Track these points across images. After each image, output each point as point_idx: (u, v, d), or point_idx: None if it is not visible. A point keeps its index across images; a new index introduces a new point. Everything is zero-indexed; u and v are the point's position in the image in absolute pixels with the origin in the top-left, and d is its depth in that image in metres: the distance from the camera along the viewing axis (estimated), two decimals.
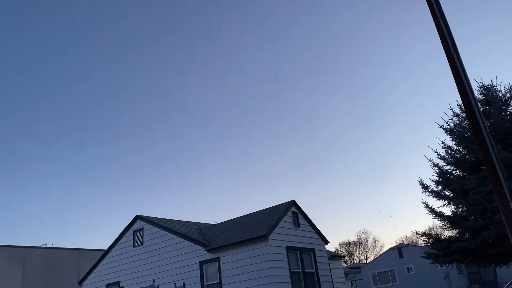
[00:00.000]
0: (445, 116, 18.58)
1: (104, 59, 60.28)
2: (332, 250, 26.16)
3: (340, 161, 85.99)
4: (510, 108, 17.29)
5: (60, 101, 58.52)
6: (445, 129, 18.17)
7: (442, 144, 18.38)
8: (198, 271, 14.81)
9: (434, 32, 6.55)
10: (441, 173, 18.16)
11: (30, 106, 56.50)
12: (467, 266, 37.88)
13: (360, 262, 70.43)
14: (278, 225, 14.24)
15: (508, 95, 17.24)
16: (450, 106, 18.31)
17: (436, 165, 18.35)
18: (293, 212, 15.53)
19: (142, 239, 17.27)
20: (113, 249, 18.43)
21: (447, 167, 18.32)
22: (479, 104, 8.90)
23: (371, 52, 68.03)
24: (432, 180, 18.23)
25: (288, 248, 14.18)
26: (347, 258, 72.21)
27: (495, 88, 17.48)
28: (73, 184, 61.21)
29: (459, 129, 17.71)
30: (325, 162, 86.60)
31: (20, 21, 49.58)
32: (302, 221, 15.79)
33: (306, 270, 14.67)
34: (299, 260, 14.62)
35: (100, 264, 18.80)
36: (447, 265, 19.23)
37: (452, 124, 18.11)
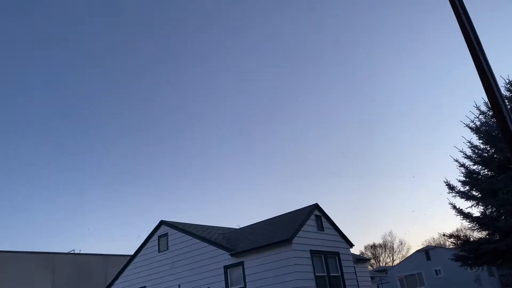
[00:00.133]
0: (470, 115, 18.14)
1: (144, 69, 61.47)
2: (357, 253, 25.81)
3: (360, 163, 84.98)
4: None
5: (95, 113, 59.98)
6: (471, 128, 17.74)
7: (468, 143, 17.94)
8: (223, 276, 14.85)
9: (457, 28, 6.42)
10: (468, 173, 17.72)
11: (67, 124, 58.05)
12: (498, 268, 36.73)
13: (386, 265, 69.25)
14: (302, 229, 14.16)
15: None
16: (476, 104, 17.87)
17: (462, 165, 17.92)
18: (316, 215, 15.41)
19: (167, 244, 17.45)
20: (139, 254, 18.69)
21: (474, 167, 17.86)
22: (506, 101, 8.63)
23: (389, 52, 67.16)
24: (459, 181, 17.82)
25: (312, 252, 14.07)
26: (372, 261, 71.16)
27: None
28: (99, 190, 62.50)
29: (485, 127, 17.25)
30: (346, 164, 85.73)
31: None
32: (325, 224, 15.66)
33: (331, 274, 14.51)
34: (324, 264, 14.48)
35: (127, 269, 19.08)
36: (477, 267, 18.72)
37: (478, 123, 17.66)
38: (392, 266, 56.03)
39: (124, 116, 63.18)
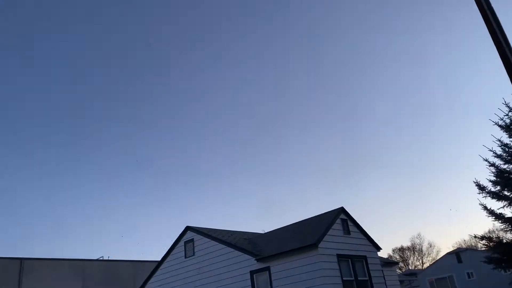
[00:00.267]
0: (500, 113, 17.61)
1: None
2: (385, 256, 25.32)
3: (386, 167, 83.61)
4: None
5: (121, 123, 61.33)
6: (500, 126, 17.26)
7: (498, 142, 17.45)
8: (249, 281, 14.84)
9: (483, 25, 6.25)
10: (499, 172, 17.21)
11: (99, 132, 59.53)
12: None
13: (416, 268, 67.77)
14: (328, 233, 14.02)
15: None
16: (505, 101, 17.35)
17: (492, 165, 17.43)
18: (342, 219, 15.24)
19: (193, 250, 17.58)
20: (166, 260, 18.88)
21: (505, 166, 17.34)
22: None
23: (418, 49, 66.01)
24: (490, 181, 17.34)
25: (339, 256, 13.90)
26: (401, 264, 69.71)
27: None
28: (130, 198, 63.58)
29: None
30: (373, 168, 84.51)
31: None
32: (352, 228, 15.46)
33: (359, 278, 14.29)
34: (351, 268, 14.27)
35: (155, 275, 19.30)
36: (511, 270, 18.10)
37: (508, 121, 17.19)
38: (422, 270, 54.76)
39: (155, 124, 64.17)
